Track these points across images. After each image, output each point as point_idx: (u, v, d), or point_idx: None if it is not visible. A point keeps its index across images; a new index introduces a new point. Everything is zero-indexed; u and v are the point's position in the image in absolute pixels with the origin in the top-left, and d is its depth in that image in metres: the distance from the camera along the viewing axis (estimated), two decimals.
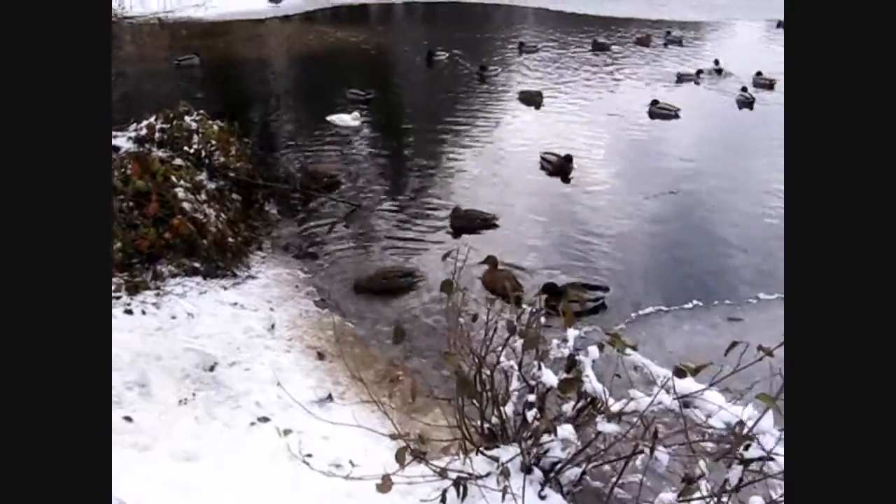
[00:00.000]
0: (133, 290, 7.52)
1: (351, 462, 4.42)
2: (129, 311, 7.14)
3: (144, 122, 10.53)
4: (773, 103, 18.76)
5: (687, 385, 4.49)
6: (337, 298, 8.61)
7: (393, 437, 5.52)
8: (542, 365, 4.70)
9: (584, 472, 4.91)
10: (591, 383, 4.64)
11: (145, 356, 6.42)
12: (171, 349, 6.62)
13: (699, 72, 21.93)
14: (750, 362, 3.86)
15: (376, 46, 26.53)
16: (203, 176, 9.71)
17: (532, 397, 4.71)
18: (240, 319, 7.57)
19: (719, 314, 8.78)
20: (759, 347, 3.81)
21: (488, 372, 4.85)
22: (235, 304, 7.92)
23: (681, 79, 21.57)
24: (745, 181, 13.24)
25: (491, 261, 9.12)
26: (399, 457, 4.13)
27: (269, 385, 6.50)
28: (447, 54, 24.14)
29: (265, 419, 5.95)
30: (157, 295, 7.63)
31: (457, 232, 10.78)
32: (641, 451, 4.33)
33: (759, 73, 20.96)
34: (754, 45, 28.63)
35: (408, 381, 7.10)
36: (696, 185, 12.91)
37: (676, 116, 17.45)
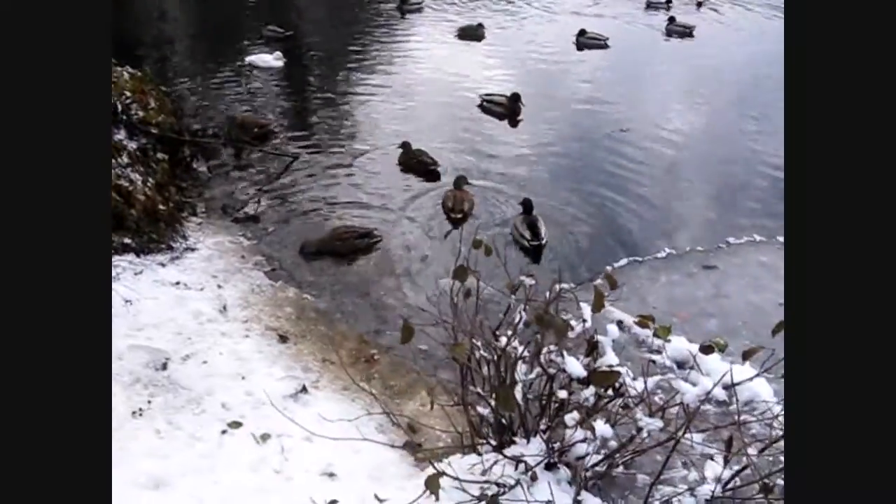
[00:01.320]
0: None
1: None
2: None
3: None
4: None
5: (731, 368, 4.00)
6: (289, 267, 7.77)
7: (406, 446, 4.88)
8: (564, 352, 4.11)
9: (611, 465, 4.40)
10: (629, 376, 4.11)
11: None
12: (112, 347, 5.71)
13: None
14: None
15: None
16: (122, 135, 8.55)
17: (562, 393, 4.12)
18: (186, 302, 6.66)
19: (693, 262, 8.39)
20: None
21: (495, 357, 4.27)
22: (178, 283, 6.99)
23: (650, 6, 20.83)
24: (696, 120, 12.86)
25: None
26: (432, 485, 3.44)
27: (232, 380, 5.72)
28: None
29: (237, 424, 5.18)
30: None
31: (406, 170, 10.19)
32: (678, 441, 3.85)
33: None
34: None
35: (385, 361, 6.45)
36: (650, 124, 12.40)
37: (606, 46, 16.88)
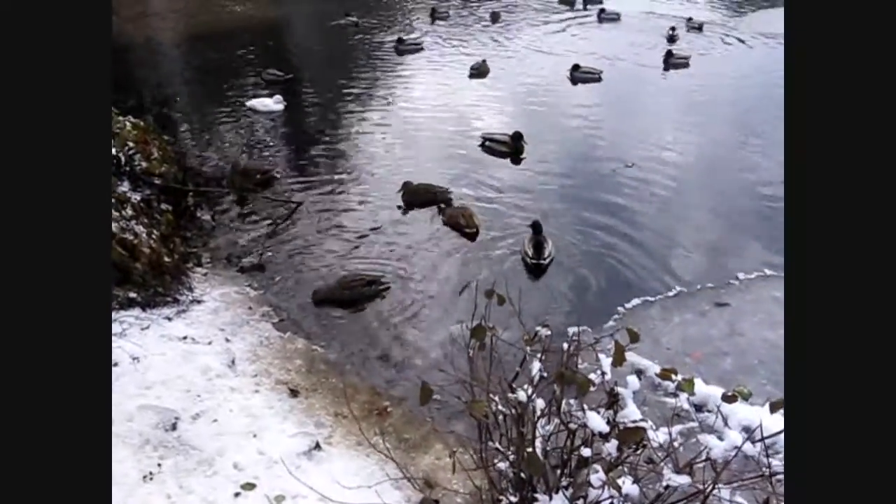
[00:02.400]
0: None
1: None
2: None
3: None
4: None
5: (758, 417, 3.91)
6: (297, 317, 7.67)
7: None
8: (586, 406, 4.01)
9: None
10: (655, 431, 4.00)
11: None
12: (121, 408, 5.59)
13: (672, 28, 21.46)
14: None
15: (282, 20, 25.02)
16: (126, 186, 8.52)
17: (586, 451, 4.01)
18: (194, 357, 6.55)
19: (705, 300, 8.31)
20: None
21: (514, 412, 4.16)
22: (185, 337, 6.89)
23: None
24: (696, 150, 12.85)
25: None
26: None
27: (244, 438, 5.60)
28: (355, 20, 23.47)
29: (251, 486, 5.05)
30: None
31: (408, 209, 10.15)
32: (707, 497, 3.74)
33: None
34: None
35: (398, 413, 6.33)
36: (651, 157, 12.38)
37: (599, 79, 16.94)
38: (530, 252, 9.05)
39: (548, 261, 9.04)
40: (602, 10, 24.47)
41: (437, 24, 23.54)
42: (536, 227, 9.19)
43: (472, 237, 9.70)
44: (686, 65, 18.29)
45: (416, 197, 10.21)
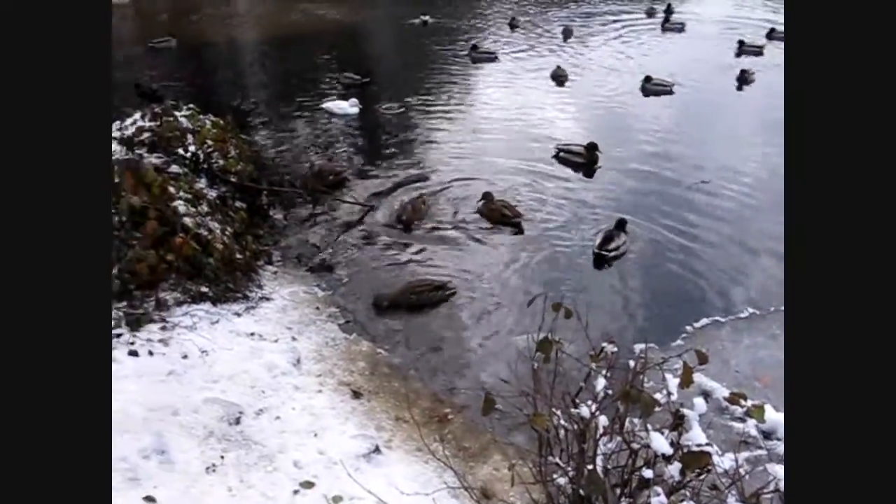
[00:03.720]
0: (135, 324, 6.57)
1: None
2: (134, 353, 6.19)
3: (129, 120, 9.50)
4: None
5: None
6: (363, 320, 7.72)
7: None
8: (649, 426, 3.91)
9: None
10: (720, 457, 3.87)
11: (160, 411, 5.52)
12: (188, 400, 5.73)
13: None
14: None
15: (360, 24, 25.39)
16: (203, 183, 8.73)
17: (648, 472, 3.91)
18: (260, 353, 6.66)
19: (776, 323, 8.04)
20: None
21: (575, 427, 4.09)
22: (252, 334, 7.02)
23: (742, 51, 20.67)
24: (771, 167, 12.47)
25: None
26: None
27: (305, 437, 5.66)
28: (427, 19, 24.53)
29: (309, 484, 5.10)
30: (163, 329, 6.67)
31: (487, 225, 10.05)
32: None
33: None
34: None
35: (458, 420, 6.31)
36: (726, 173, 12.09)
37: (671, 92, 16.62)
38: (597, 242, 9.26)
39: (611, 255, 9.14)
40: (666, 20, 24.15)
41: (514, 32, 23.46)
42: (620, 223, 9.47)
43: (518, 227, 9.92)
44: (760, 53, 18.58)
45: (493, 211, 10.14)
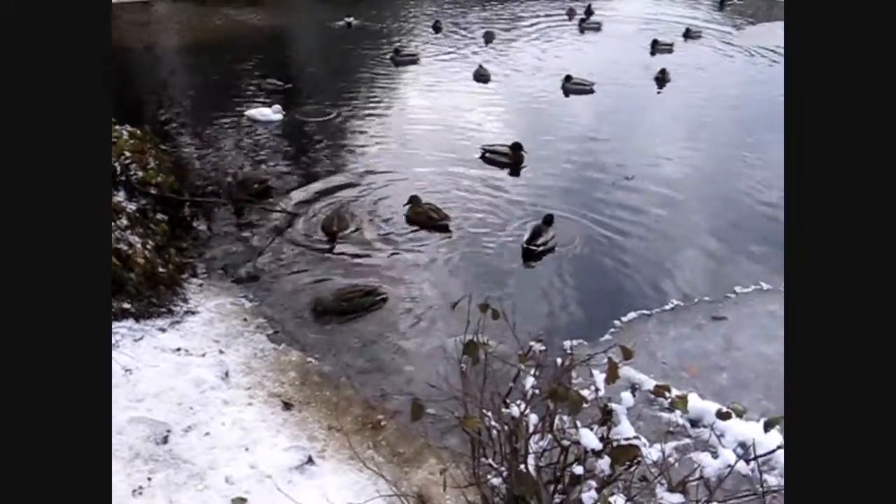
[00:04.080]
0: None
1: None
2: None
3: None
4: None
5: (752, 435, 3.88)
6: (292, 329, 7.62)
7: None
8: (577, 423, 3.97)
9: None
10: (644, 444, 3.95)
11: None
12: (112, 420, 5.56)
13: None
14: None
15: (283, 28, 25.03)
16: (121, 196, 8.48)
17: (578, 469, 3.97)
18: (187, 369, 6.51)
19: (701, 314, 8.28)
20: None
21: (506, 428, 4.12)
22: (178, 349, 6.85)
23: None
24: (692, 163, 12.83)
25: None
26: None
27: (236, 452, 5.57)
28: (350, 21, 24.60)
29: (241, 500, 5.00)
30: None
31: (414, 229, 10.03)
32: None
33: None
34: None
35: (392, 426, 6.28)
36: (649, 170, 12.37)
37: (591, 91, 16.89)
38: (525, 237, 9.44)
39: (540, 249, 9.36)
40: (583, 20, 24.71)
41: (438, 34, 23.47)
42: (547, 219, 9.61)
43: (445, 229, 9.99)
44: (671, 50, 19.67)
45: (419, 214, 10.13)
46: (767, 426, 3.75)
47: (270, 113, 14.29)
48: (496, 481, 4.33)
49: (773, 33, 22.89)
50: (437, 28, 23.95)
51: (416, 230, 9.99)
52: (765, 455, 3.75)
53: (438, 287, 8.60)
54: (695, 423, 6.61)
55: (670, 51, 20.98)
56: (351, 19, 24.62)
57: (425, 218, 10.05)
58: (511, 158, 12.25)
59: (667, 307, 8.35)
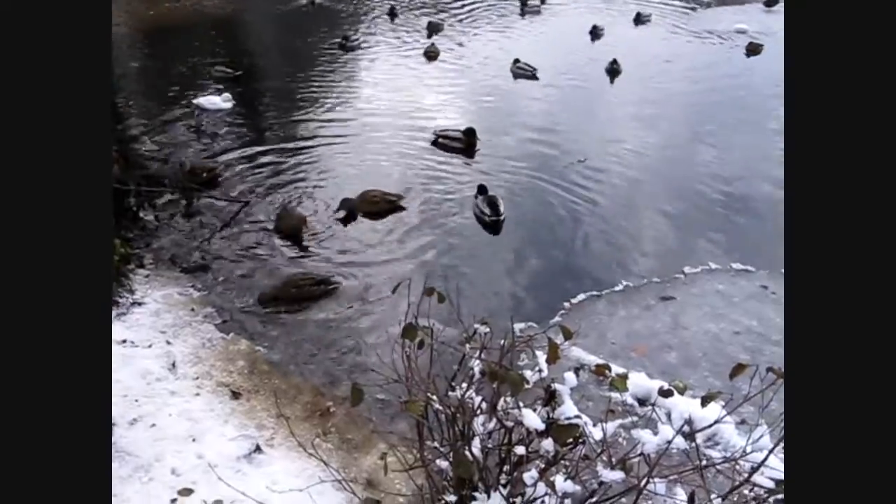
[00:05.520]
0: None
1: None
2: None
3: None
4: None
5: (691, 410, 3.94)
6: (241, 318, 7.56)
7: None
8: (521, 404, 4.00)
9: None
10: (589, 427, 4.00)
11: None
12: None
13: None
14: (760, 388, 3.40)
15: (238, 13, 24.54)
16: None
17: (520, 449, 4.00)
18: (133, 361, 6.43)
19: (651, 294, 8.39)
20: (770, 369, 3.35)
21: (451, 410, 4.15)
22: (124, 341, 6.76)
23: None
24: (644, 147, 12.94)
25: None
26: None
27: (183, 443, 5.52)
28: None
29: (188, 491, 4.98)
30: None
31: (365, 217, 9.97)
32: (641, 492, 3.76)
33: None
34: None
35: (340, 413, 6.27)
36: (600, 153, 12.44)
37: (535, 77, 16.88)
38: (487, 211, 9.53)
39: (503, 217, 9.59)
40: (524, 3, 24.68)
41: (394, 21, 23.22)
42: (482, 189, 9.77)
43: (398, 209, 10.11)
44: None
45: (374, 207, 9.99)
46: (705, 401, 3.82)
47: (219, 101, 14.06)
48: (444, 464, 4.36)
49: (720, 18, 23.17)
50: (392, 14, 23.71)
51: (368, 217, 9.93)
52: (702, 430, 3.83)
53: (388, 272, 8.57)
54: (642, 401, 6.71)
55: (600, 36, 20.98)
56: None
57: (382, 203, 9.99)
58: (464, 143, 12.24)
59: (617, 288, 8.44)
